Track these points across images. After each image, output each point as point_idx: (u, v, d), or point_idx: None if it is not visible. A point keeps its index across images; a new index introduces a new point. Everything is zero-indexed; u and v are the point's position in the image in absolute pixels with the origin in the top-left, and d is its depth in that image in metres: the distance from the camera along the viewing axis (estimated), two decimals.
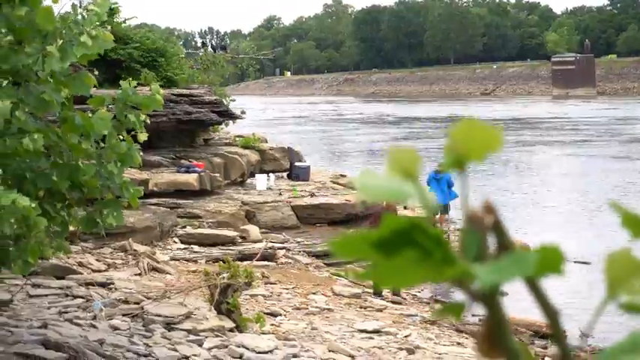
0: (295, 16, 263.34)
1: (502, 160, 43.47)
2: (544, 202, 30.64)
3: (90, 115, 6.98)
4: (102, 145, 7.28)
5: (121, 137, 7.28)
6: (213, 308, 11.14)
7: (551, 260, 0.87)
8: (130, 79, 8.03)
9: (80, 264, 13.93)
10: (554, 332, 0.95)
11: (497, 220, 0.92)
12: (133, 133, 7.51)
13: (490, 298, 0.90)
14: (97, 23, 6.60)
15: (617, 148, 49.58)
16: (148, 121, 7.81)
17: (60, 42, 6.30)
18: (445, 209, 23.46)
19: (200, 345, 9.97)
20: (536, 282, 0.91)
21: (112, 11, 11.57)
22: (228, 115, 24.55)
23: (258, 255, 16.96)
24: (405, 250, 0.89)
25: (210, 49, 39.97)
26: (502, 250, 0.92)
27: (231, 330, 10.98)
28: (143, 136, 7.40)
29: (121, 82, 7.75)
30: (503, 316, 0.91)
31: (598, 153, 46.69)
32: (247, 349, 10.22)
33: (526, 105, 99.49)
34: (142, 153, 7.68)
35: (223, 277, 11.05)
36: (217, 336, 10.55)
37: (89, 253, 15.25)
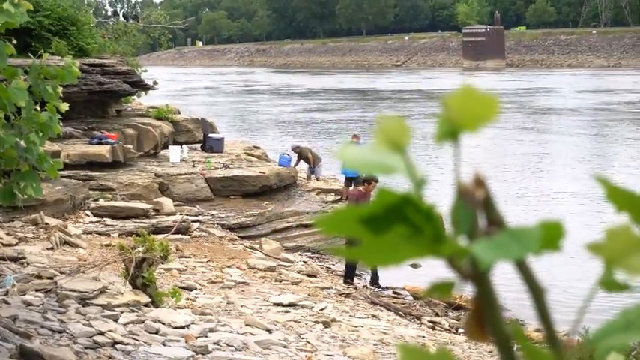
0: None
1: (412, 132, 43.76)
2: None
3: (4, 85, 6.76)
4: (14, 116, 7.08)
5: (37, 108, 7.08)
6: (128, 282, 10.98)
7: (552, 237, 0.82)
8: (42, 50, 7.84)
9: None
10: (539, 310, 0.91)
11: (488, 194, 0.87)
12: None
13: (481, 276, 0.85)
14: None
15: (523, 119, 50.37)
16: (62, 93, 7.63)
17: None
18: (354, 181, 23.57)
19: (116, 320, 9.82)
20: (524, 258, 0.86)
21: None
22: (141, 86, 24.21)
23: (174, 228, 16.79)
24: (395, 227, 0.84)
25: (121, 18, 39.28)
26: (493, 226, 0.87)
27: (146, 305, 10.83)
28: (65, 106, 7.22)
29: (31, 53, 7.55)
30: (493, 296, 0.86)
31: (505, 125, 47.39)
32: (163, 323, 10.11)
33: (436, 77, 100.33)
34: (61, 123, 7.51)
35: (139, 251, 10.88)
36: (133, 311, 10.40)
37: None
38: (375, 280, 16.93)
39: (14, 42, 7.39)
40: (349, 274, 16.58)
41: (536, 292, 0.89)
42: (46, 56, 7.71)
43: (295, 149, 25.36)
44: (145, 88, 24.80)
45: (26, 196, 7.39)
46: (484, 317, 0.87)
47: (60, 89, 7.51)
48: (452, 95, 0.85)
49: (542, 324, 0.92)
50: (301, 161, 25.19)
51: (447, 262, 0.85)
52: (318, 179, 25.12)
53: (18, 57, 7.98)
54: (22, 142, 7.07)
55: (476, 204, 0.86)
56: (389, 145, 0.89)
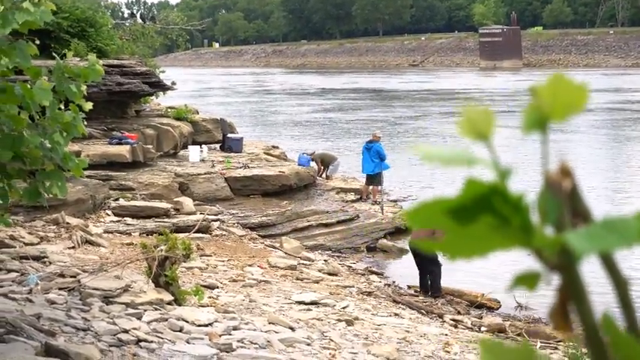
0: None
1: (430, 131, 43.80)
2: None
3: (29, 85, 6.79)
4: (38, 116, 7.11)
5: (61, 107, 7.11)
6: (151, 281, 11.00)
7: None
8: (66, 50, 7.89)
9: (12, 237, 13.65)
10: (623, 302, 0.90)
11: (575, 184, 0.87)
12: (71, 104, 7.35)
13: (570, 267, 0.85)
14: None
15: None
16: (85, 93, 7.65)
17: (1, 8, 6.10)
18: (374, 180, 23.57)
19: (139, 318, 9.84)
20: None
21: None
22: (160, 86, 24.29)
23: (196, 227, 16.82)
24: (481, 218, 0.83)
25: (139, 19, 39.38)
26: (578, 216, 0.86)
27: (169, 303, 10.86)
28: (88, 105, 7.24)
29: (50, 54, 7.61)
30: (582, 286, 0.86)
31: (519, 124, 47.17)
32: (187, 322, 10.13)
33: (453, 76, 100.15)
34: (86, 123, 7.54)
35: (161, 250, 10.91)
36: (156, 309, 10.43)
37: (20, 226, 14.96)
38: (436, 289, 16.42)
39: (37, 42, 7.42)
40: (438, 287, 16.35)
41: (620, 284, 0.88)
42: (70, 55, 7.76)
43: (311, 155, 25.37)
44: (163, 88, 24.89)
45: (51, 195, 7.43)
46: (570, 309, 0.87)
47: (84, 88, 7.54)
48: (542, 84, 0.85)
49: (626, 317, 0.91)
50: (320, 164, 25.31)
51: (534, 253, 0.85)
52: (328, 177, 25.08)
53: (37, 58, 7.99)
54: (47, 142, 7.11)
55: (564, 194, 0.85)
56: (473, 135, 0.89)
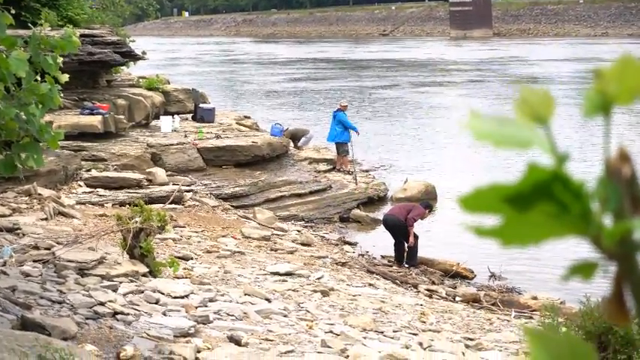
0: None
1: (400, 101, 43.84)
2: (440, 143, 30.93)
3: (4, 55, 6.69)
4: (14, 87, 7.02)
5: (38, 79, 7.02)
6: (125, 253, 10.94)
7: None
8: (42, 20, 7.80)
9: None
10: None
11: (634, 171, 0.84)
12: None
13: (629, 256, 0.82)
14: None
15: (504, 89, 50.38)
16: (61, 64, 7.56)
17: None
18: (340, 149, 23.59)
19: (115, 291, 9.81)
20: None
21: None
22: (131, 56, 24.05)
23: (171, 198, 16.75)
24: (540, 205, 0.81)
25: None
26: (637, 204, 0.84)
27: (144, 275, 10.83)
28: (64, 77, 7.17)
29: (21, 23, 7.50)
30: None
31: (490, 94, 47.44)
32: (163, 294, 10.11)
33: (422, 46, 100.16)
34: (62, 95, 7.45)
35: (136, 222, 10.85)
36: (132, 281, 10.39)
37: None
38: (411, 258, 16.52)
39: (12, 12, 7.32)
40: (414, 257, 16.42)
41: None
42: (46, 26, 7.66)
43: (284, 131, 25.30)
44: (134, 58, 24.65)
45: (27, 167, 7.36)
46: (627, 298, 0.84)
47: (60, 60, 7.46)
48: (608, 67, 0.82)
49: None
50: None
51: (592, 241, 0.82)
52: (299, 148, 25.00)
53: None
54: (23, 114, 7.02)
55: (624, 181, 0.83)
56: (531, 117, 0.86)
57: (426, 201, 18.27)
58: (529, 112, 0.85)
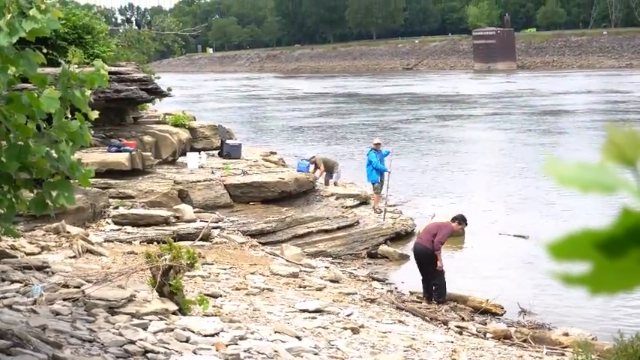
0: None
1: (427, 135, 43.78)
2: (470, 177, 30.87)
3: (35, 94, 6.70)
4: (44, 125, 7.02)
5: (69, 116, 7.01)
6: (155, 291, 10.91)
7: None
8: (70, 56, 7.82)
9: (12, 247, 13.55)
10: None
11: None
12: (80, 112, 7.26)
13: None
14: None
15: (532, 121, 50.23)
16: (92, 99, 7.56)
17: (8, 16, 6.01)
18: (373, 187, 23.73)
19: (145, 329, 9.75)
20: None
21: None
22: (157, 93, 24.19)
23: (200, 234, 16.73)
24: (632, 251, 0.77)
25: (134, 25, 39.27)
26: None
27: (174, 313, 10.77)
28: (94, 114, 7.15)
29: (49, 62, 7.51)
30: None
31: (514, 127, 47.32)
32: (193, 332, 10.04)
33: (447, 80, 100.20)
34: (92, 132, 7.44)
35: (165, 259, 10.82)
36: (161, 319, 10.34)
37: (21, 236, 14.85)
38: (440, 294, 16.31)
39: (44, 51, 7.34)
40: (443, 293, 16.27)
41: None
42: (75, 60, 7.67)
43: (311, 159, 25.44)
44: (160, 95, 24.79)
45: (58, 206, 7.35)
46: None
47: (88, 93, 7.44)
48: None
49: None
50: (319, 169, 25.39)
51: None
52: (335, 184, 25.17)
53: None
54: (53, 152, 7.02)
55: None
56: (619, 160, 0.82)
57: (459, 214, 17.45)
58: (616, 154, 0.82)
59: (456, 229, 16.75)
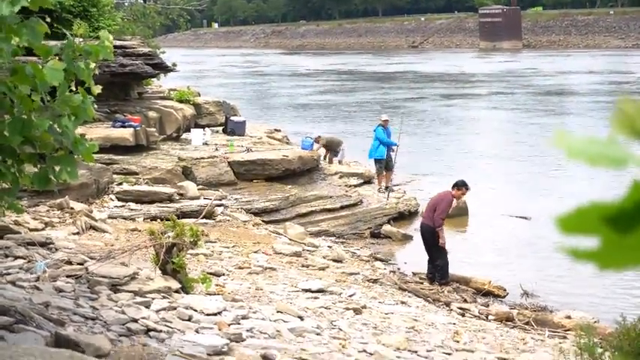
0: None
1: (429, 114, 43.70)
2: (475, 155, 30.81)
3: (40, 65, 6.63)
4: (48, 98, 6.96)
5: (73, 89, 6.94)
6: (158, 268, 10.91)
7: None
8: (76, 28, 7.76)
9: (16, 222, 13.54)
10: None
11: None
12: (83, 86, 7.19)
13: None
14: None
15: (536, 101, 50.08)
16: (97, 72, 7.50)
17: None
18: (377, 166, 23.64)
19: (147, 307, 9.75)
20: None
21: None
22: (162, 68, 24.14)
23: (204, 212, 16.71)
24: None
25: None
26: None
27: (177, 291, 10.78)
28: (97, 89, 7.06)
29: (53, 35, 7.45)
30: None
31: (519, 107, 47.20)
32: (196, 310, 10.05)
33: (452, 58, 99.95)
34: (96, 107, 7.38)
35: (169, 237, 10.82)
36: (164, 297, 10.34)
37: (24, 211, 14.84)
38: (443, 275, 16.17)
39: (48, 21, 7.26)
40: (446, 274, 16.17)
41: None
42: (79, 32, 7.59)
43: (316, 138, 25.38)
44: (165, 70, 24.73)
45: (61, 181, 7.29)
46: None
47: (93, 66, 7.34)
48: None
49: None
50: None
51: None
52: (340, 162, 25.15)
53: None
54: (56, 126, 6.95)
55: None
56: (630, 132, 0.81)
57: (459, 180, 16.93)
58: (627, 125, 0.80)
59: (456, 196, 16.38)
